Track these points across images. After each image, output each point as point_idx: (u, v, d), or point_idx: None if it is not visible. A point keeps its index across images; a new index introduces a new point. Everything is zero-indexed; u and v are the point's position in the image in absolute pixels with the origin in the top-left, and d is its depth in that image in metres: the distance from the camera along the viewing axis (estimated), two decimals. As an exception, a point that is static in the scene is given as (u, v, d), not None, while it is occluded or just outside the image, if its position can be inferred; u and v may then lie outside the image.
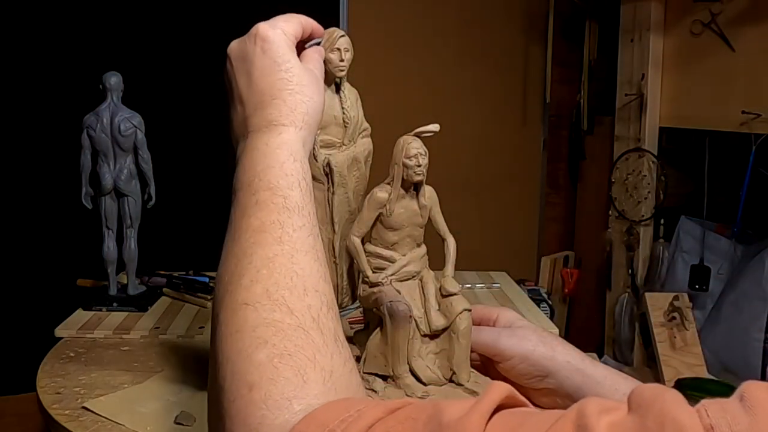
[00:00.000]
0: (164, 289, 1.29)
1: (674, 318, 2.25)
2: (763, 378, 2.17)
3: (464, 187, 2.57)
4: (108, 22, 1.79)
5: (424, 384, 0.75)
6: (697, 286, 2.38)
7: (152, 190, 1.25)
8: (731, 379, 2.14)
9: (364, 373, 0.76)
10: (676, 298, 2.27)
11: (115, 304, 1.20)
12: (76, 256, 1.56)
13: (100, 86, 1.21)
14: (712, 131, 2.40)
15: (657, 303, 2.30)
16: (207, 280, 1.34)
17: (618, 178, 2.60)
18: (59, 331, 1.10)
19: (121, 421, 0.79)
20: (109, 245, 1.23)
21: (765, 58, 2.16)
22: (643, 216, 2.55)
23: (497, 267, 1.53)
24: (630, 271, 2.59)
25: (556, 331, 1.13)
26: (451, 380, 0.77)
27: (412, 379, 0.75)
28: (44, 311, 1.17)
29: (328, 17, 2.15)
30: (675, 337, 2.24)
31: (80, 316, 1.16)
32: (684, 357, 2.23)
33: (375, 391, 0.74)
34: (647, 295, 2.34)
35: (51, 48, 1.74)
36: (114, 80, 1.21)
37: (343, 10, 2.20)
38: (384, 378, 0.76)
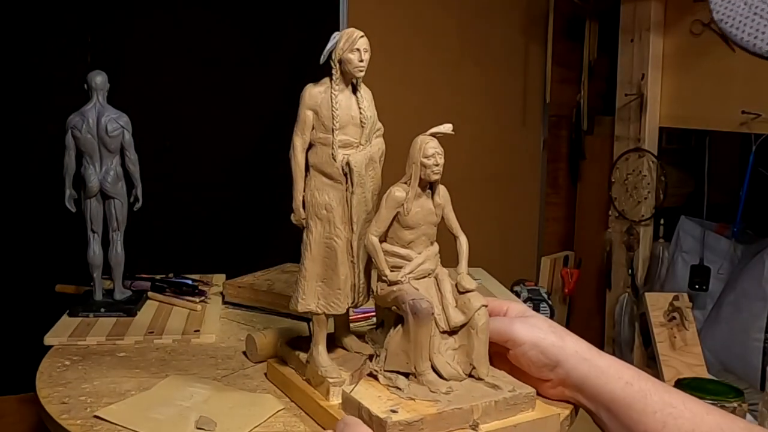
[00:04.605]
0: (149, 293, 1.27)
1: (674, 318, 2.25)
2: (763, 378, 2.17)
3: (464, 187, 2.56)
4: (92, 19, 1.77)
5: (446, 380, 0.76)
6: (697, 286, 2.38)
7: (139, 191, 1.23)
8: (731, 379, 2.14)
9: (386, 371, 0.77)
10: (676, 298, 2.27)
11: (102, 310, 1.17)
12: (53, 261, 1.53)
13: (85, 85, 1.18)
14: (712, 131, 2.40)
15: (657, 303, 2.30)
16: (191, 282, 1.32)
17: (618, 178, 2.60)
18: (49, 339, 1.07)
19: (139, 428, 0.78)
20: (95, 249, 1.20)
21: (765, 58, 2.16)
22: (643, 216, 2.55)
23: (498, 267, 1.54)
24: (630, 271, 2.59)
25: None
26: (470, 375, 0.78)
27: (435, 375, 0.76)
28: (25, 316, 1.14)
29: (328, 17, 2.15)
30: (675, 337, 2.24)
31: (67, 322, 1.14)
32: (684, 357, 2.23)
33: (400, 389, 0.75)
34: (647, 295, 2.34)
35: (31, 47, 1.72)
36: (99, 79, 1.18)
37: (343, 10, 2.20)
38: (406, 375, 0.76)
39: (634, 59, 2.51)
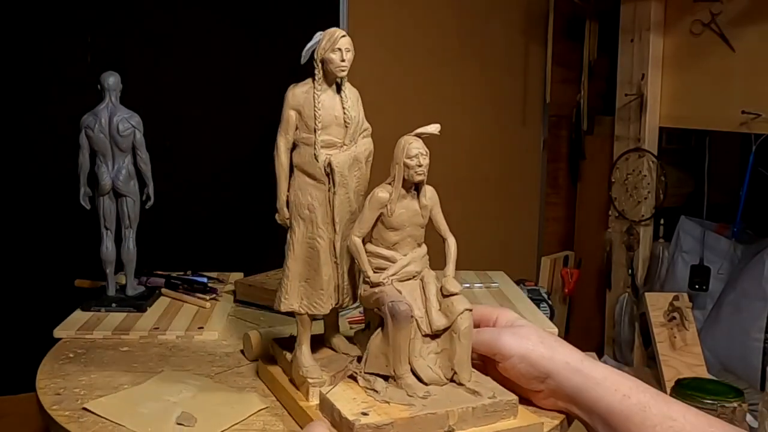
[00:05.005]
0: (162, 290, 1.29)
1: (674, 318, 2.25)
2: (763, 378, 2.17)
3: (464, 187, 2.57)
4: (92, 19, 1.78)
5: (426, 384, 0.75)
6: (697, 286, 2.38)
7: (151, 190, 1.24)
8: (731, 379, 2.13)
9: (366, 373, 0.76)
10: (676, 298, 2.27)
11: (113, 305, 1.19)
12: (74, 257, 1.56)
13: (98, 86, 1.20)
14: (712, 131, 2.40)
15: (657, 303, 2.30)
16: (206, 280, 1.34)
17: (618, 178, 2.60)
18: (58, 332, 1.09)
19: (122, 422, 0.79)
20: (108, 245, 1.22)
21: (765, 58, 2.16)
22: (643, 216, 2.55)
23: (497, 267, 1.53)
24: (630, 271, 2.59)
25: (555, 330, 1.12)
26: (452, 380, 0.77)
27: (414, 379, 0.75)
28: (42, 312, 1.16)
29: (328, 17, 2.15)
30: (675, 337, 2.24)
31: (79, 316, 1.16)
32: (684, 357, 2.23)
33: (377, 391, 0.74)
34: (647, 295, 2.34)
35: (48, 47, 1.73)
36: (112, 80, 1.20)
37: (343, 10, 2.20)
38: (385, 378, 0.75)
39: (634, 59, 2.51)
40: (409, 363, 0.75)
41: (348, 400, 0.73)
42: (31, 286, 1.70)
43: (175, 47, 1.89)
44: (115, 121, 1.18)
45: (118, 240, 1.24)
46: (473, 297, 1.31)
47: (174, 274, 1.35)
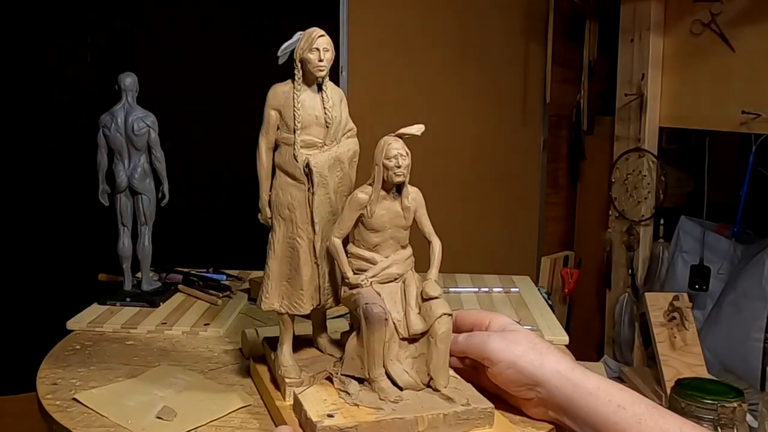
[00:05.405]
0: (179, 286, 1.30)
1: (674, 318, 2.25)
2: (763, 378, 2.17)
3: (464, 187, 2.57)
4: (92, 19, 1.79)
5: (401, 388, 0.74)
6: (697, 286, 2.38)
7: (165, 188, 1.27)
8: (731, 379, 2.14)
9: (342, 375, 0.75)
10: (676, 298, 2.27)
11: (128, 299, 1.21)
12: (98, 252, 1.58)
13: (116, 87, 1.23)
14: (712, 131, 2.40)
15: (657, 303, 2.30)
16: (224, 277, 1.35)
17: (618, 178, 2.60)
18: (71, 324, 1.11)
19: (106, 413, 0.80)
20: (124, 242, 1.25)
21: (765, 58, 2.16)
22: (643, 216, 2.55)
23: (497, 267, 1.52)
24: (630, 271, 2.59)
25: (566, 339, 1.09)
26: (428, 385, 0.76)
27: (388, 382, 0.74)
28: (64, 305, 1.18)
29: (328, 17, 2.15)
30: (675, 337, 2.24)
31: (94, 310, 1.18)
32: (684, 357, 2.23)
33: (349, 394, 0.73)
34: (647, 295, 2.34)
35: (48, 47, 1.74)
36: (129, 81, 1.23)
37: (343, 10, 2.20)
38: (360, 381, 0.75)
39: (634, 59, 2.51)
40: (385, 367, 0.74)
41: (319, 401, 0.73)
42: (54, 281, 1.72)
43: (176, 47, 1.89)
44: (130, 121, 1.21)
45: (136, 236, 1.26)
46: (491, 301, 1.29)
47: (194, 271, 1.37)
